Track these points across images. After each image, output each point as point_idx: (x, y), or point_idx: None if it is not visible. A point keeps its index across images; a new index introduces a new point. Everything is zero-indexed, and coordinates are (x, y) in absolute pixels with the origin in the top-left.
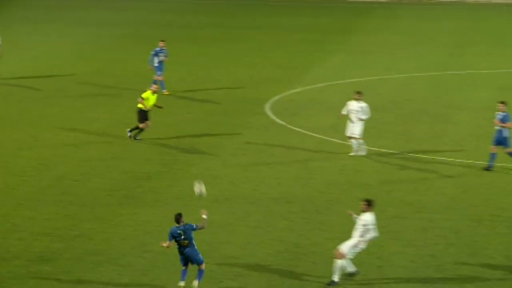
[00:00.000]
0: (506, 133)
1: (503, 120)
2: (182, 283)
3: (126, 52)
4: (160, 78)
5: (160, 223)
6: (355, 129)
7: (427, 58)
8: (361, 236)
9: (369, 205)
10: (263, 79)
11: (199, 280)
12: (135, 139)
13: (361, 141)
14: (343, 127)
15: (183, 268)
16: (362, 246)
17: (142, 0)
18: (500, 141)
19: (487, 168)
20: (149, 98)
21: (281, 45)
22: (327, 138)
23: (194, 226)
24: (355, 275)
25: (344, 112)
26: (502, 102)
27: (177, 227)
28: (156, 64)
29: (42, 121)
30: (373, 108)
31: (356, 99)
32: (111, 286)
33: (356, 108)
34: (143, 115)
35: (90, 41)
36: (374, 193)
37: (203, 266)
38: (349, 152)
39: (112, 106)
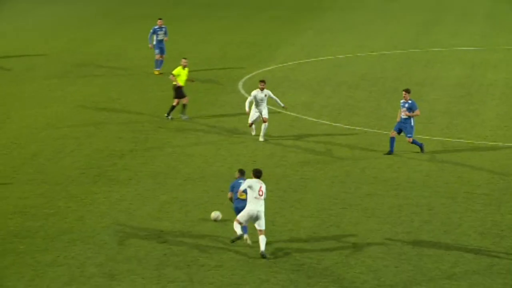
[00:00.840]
0: (412, 122)
1: (411, 109)
2: (245, 236)
3: (95, 30)
4: (157, 57)
5: (134, 201)
6: (264, 113)
7: (397, 36)
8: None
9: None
10: (235, 57)
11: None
12: (167, 117)
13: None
14: (315, 105)
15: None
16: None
17: None
18: (404, 129)
19: (389, 153)
20: (181, 73)
21: (251, 23)
22: (300, 116)
23: None
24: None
25: (247, 108)
26: (406, 90)
27: (240, 178)
28: (154, 43)
29: (13, 100)
30: (345, 86)
31: (261, 89)
32: (86, 265)
33: (261, 97)
34: (179, 91)
35: (59, 20)
36: (348, 171)
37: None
38: (251, 134)
39: (83, 84)
